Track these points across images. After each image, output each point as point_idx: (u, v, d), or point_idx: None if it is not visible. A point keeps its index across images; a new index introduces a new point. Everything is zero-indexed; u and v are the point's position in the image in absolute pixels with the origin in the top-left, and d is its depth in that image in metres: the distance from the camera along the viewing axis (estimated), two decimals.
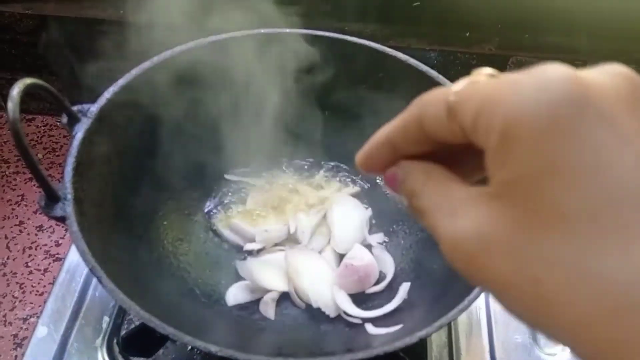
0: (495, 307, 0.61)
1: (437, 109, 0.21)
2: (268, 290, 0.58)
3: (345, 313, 0.56)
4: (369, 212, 0.66)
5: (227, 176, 0.68)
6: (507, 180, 0.18)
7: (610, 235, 0.16)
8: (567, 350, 0.59)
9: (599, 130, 0.17)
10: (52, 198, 0.44)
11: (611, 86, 0.18)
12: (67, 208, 0.43)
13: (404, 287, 0.57)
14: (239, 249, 0.62)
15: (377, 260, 0.60)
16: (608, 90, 0.18)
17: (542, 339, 0.59)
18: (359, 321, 0.56)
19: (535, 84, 0.17)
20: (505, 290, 0.18)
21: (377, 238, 0.63)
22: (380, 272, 0.60)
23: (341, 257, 0.61)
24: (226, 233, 0.63)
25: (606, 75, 0.18)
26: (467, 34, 0.90)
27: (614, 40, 0.90)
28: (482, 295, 0.61)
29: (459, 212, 0.20)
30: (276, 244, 0.62)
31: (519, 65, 0.92)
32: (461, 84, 0.20)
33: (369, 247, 0.62)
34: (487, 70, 0.21)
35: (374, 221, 0.66)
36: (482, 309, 0.61)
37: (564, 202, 0.17)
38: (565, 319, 0.17)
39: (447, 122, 0.20)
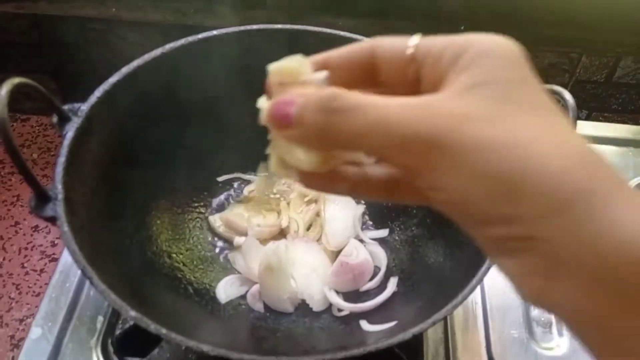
0: (492, 302, 0.61)
1: (394, 46, 0.25)
2: (255, 282, 0.58)
3: (335, 308, 0.56)
4: (361, 208, 0.66)
5: (219, 179, 0.67)
6: (484, 82, 0.22)
7: (566, 124, 0.22)
8: (563, 344, 0.59)
9: (533, 72, 0.23)
10: (42, 198, 0.43)
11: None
12: (58, 208, 0.43)
13: (393, 281, 0.57)
14: (232, 246, 0.62)
15: (372, 256, 0.60)
16: (519, 50, 0.24)
17: (538, 333, 0.59)
18: (347, 312, 0.56)
19: (499, 37, 0.24)
20: (486, 151, 0.21)
21: (371, 234, 0.63)
22: (375, 267, 0.60)
23: (335, 254, 0.61)
24: (219, 229, 0.63)
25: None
26: (462, 28, 0.90)
27: (609, 32, 0.90)
28: (478, 290, 0.61)
29: (411, 105, 0.23)
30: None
31: None
32: (416, 39, 0.25)
33: (361, 242, 0.62)
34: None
35: (367, 217, 0.66)
36: (478, 304, 0.61)
37: (536, 99, 0.22)
38: (536, 173, 0.20)
39: (404, 60, 0.25)
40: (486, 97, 0.22)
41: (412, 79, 0.25)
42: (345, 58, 0.27)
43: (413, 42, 0.25)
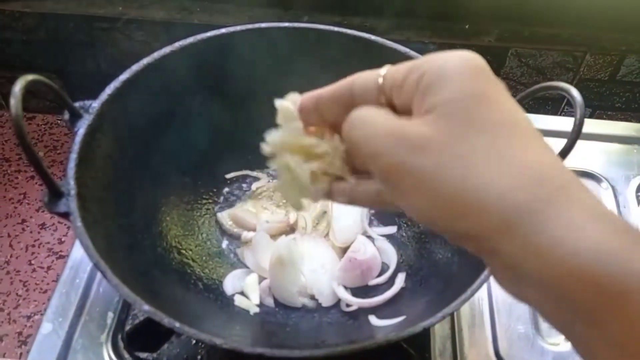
0: (498, 298, 0.62)
1: (368, 79, 0.28)
2: (264, 278, 0.58)
3: (344, 303, 0.57)
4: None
5: (227, 175, 0.68)
6: (439, 104, 0.24)
7: (523, 141, 0.23)
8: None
9: (496, 85, 0.25)
10: (55, 194, 0.44)
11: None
12: (71, 204, 0.43)
13: (401, 277, 0.58)
14: (241, 242, 0.63)
15: (379, 252, 0.61)
16: (481, 60, 0.25)
17: (544, 328, 0.60)
18: (356, 307, 0.56)
19: (455, 53, 0.25)
20: (440, 174, 0.23)
21: (379, 230, 0.64)
22: (383, 263, 0.61)
23: (342, 250, 0.61)
24: (228, 225, 0.63)
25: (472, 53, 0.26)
26: (466, 26, 0.90)
27: (613, 31, 0.90)
28: (485, 287, 0.62)
29: (400, 121, 0.26)
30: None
31: (519, 57, 0.92)
32: (385, 68, 0.27)
33: (370, 239, 0.62)
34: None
35: (372, 212, 0.66)
36: (484, 300, 0.61)
37: (489, 116, 0.23)
38: (486, 193, 0.22)
39: (376, 91, 0.27)
40: (443, 121, 0.24)
41: (389, 107, 0.27)
42: (332, 95, 0.30)
43: (382, 72, 0.27)
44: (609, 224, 0.21)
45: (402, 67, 0.26)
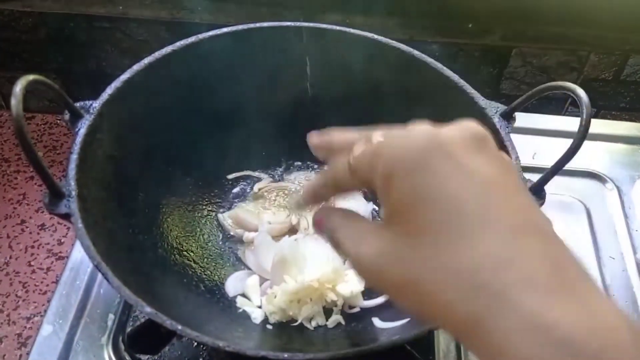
0: None
1: (343, 171, 0.28)
2: (266, 279, 0.58)
3: (347, 305, 0.56)
4: (371, 205, 0.65)
5: (229, 176, 0.67)
6: (391, 210, 0.25)
7: (460, 241, 0.22)
8: None
9: (447, 167, 0.23)
10: (56, 195, 0.43)
11: (459, 135, 0.25)
12: (72, 205, 0.43)
13: None
14: (242, 243, 0.62)
15: None
16: (456, 138, 0.24)
17: None
18: (358, 309, 0.56)
19: (404, 139, 0.25)
20: (398, 292, 0.25)
21: None
22: None
23: None
24: (230, 226, 0.63)
25: (457, 128, 0.25)
26: (470, 26, 0.90)
27: (617, 30, 0.90)
28: None
29: (363, 241, 0.26)
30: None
31: (522, 56, 0.91)
32: (358, 148, 0.27)
33: None
34: (379, 132, 0.27)
35: (378, 215, 0.66)
36: None
37: (427, 221, 0.23)
38: (437, 306, 0.23)
39: (350, 179, 0.28)
40: (394, 233, 0.25)
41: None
42: (325, 185, 0.32)
43: (351, 160, 0.28)
44: (541, 335, 0.20)
45: (364, 163, 0.27)
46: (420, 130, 0.25)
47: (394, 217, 0.25)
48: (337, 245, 0.29)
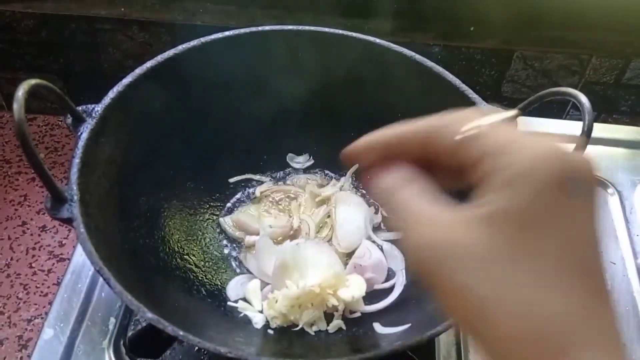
0: None
1: (444, 140, 0.25)
2: (267, 283, 0.58)
3: (347, 310, 0.56)
4: (373, 209, 0.65)
5: (230, 180, 0.67)
6: (500, 213, 0.21)
7: (562, 283, 0.21)
8: None
9: (587, 205, 0.22)
10: (58, 199, 0.43)
11: (589, 168, 0.23)
12: (74, 210, 0.43)
13: (401, 281, 0.58)
14: (244, 247, 0.62)
15: (387, 257, 0.60)
16: (585, 168, 0.22)
17: None
18: (360, 314, 0.56)
19: (543, 154, 0.22)
20: (454, 298, 0.22)
21: (386, 235, 0.63)
22: (390, 269, 0.60)
23: (346, 255, 0.61)
24: (231, 230, 0.63)
25: (579, 155, 0.23)
26: (472, 29, 0.90)
27: (619, 34, 0.90)
28: None
29: (435, 220, 0.23)
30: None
31: (524, 59, 0.91)
32: (468, 127, 0.24)
33: (376, 244, 0.62)
34: (488, 118, 0.24)
35: (381, 218, 0.66)
36: None
37: (547, 247, 0.21)
38: (493, 336, 0.21)
39: (450, 154, 0.24)
40: (492, 237, 0.21)
41: (457, 169, 0.25)
42: (401, 143, 0.27)
43: (465, 128, 0.24)
44: None
45: (474, 149, 0.23)
46: (551, 148, 0.23)
47: (508, 219, 0.22)
48: (394, 209, 0.25)
